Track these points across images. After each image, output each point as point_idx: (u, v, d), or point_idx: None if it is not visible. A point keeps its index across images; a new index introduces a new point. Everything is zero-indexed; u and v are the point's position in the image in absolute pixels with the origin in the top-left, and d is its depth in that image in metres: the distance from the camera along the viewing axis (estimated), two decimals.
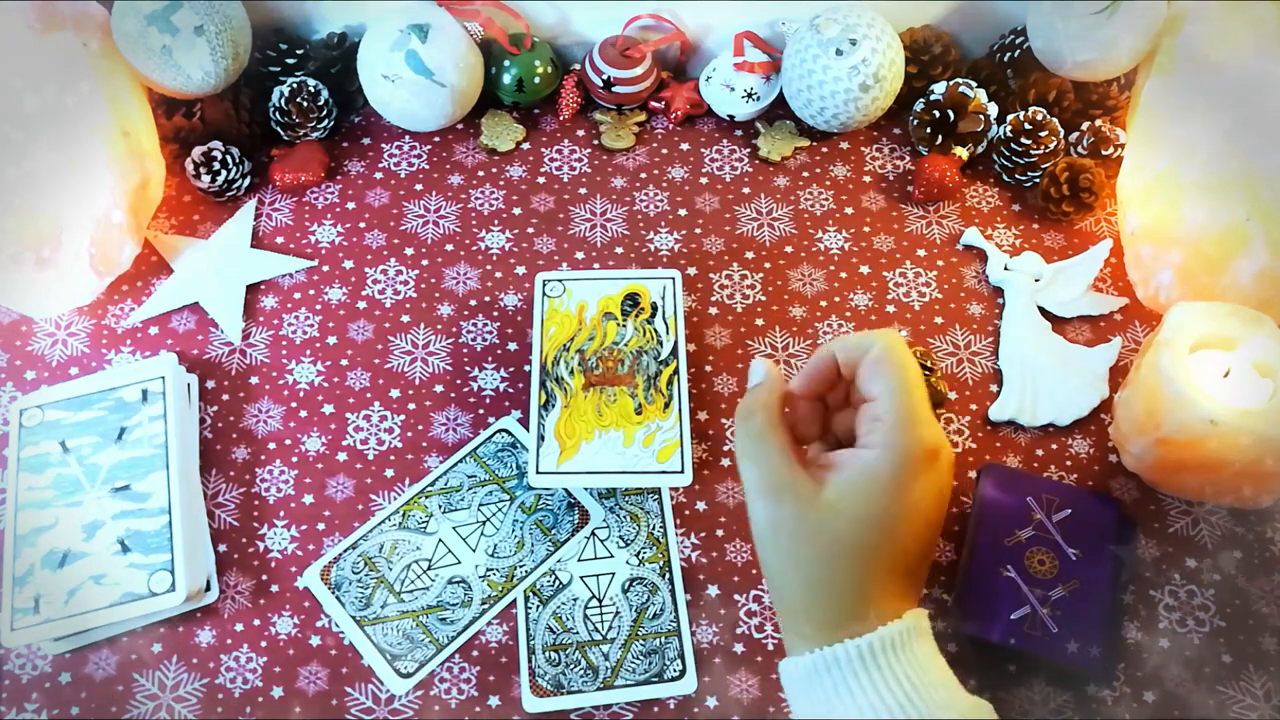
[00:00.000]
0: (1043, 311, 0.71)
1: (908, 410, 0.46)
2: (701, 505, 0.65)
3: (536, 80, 0.79)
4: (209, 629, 0.62)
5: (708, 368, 0.70)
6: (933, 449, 0.46)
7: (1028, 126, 0.75)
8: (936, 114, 0.77)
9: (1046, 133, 0.75)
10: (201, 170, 0.75)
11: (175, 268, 0.74)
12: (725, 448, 0.67)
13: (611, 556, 0.64)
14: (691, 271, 0.74)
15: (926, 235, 0.76)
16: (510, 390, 0.70)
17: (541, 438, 0.64)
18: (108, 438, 0.65)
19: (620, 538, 0.64)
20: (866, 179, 0.78)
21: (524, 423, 0.68)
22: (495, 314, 0.73)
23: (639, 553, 0.64)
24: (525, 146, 0.80)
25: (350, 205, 0.77)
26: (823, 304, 0.73)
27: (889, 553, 0.46)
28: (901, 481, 0.45)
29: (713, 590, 0.63)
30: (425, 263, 0.75)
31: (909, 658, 0.44)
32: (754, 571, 0.63)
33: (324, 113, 0.78)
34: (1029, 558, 0.60)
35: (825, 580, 0.46)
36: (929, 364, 0.52)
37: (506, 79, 0.79)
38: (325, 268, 0.74)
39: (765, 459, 0.48)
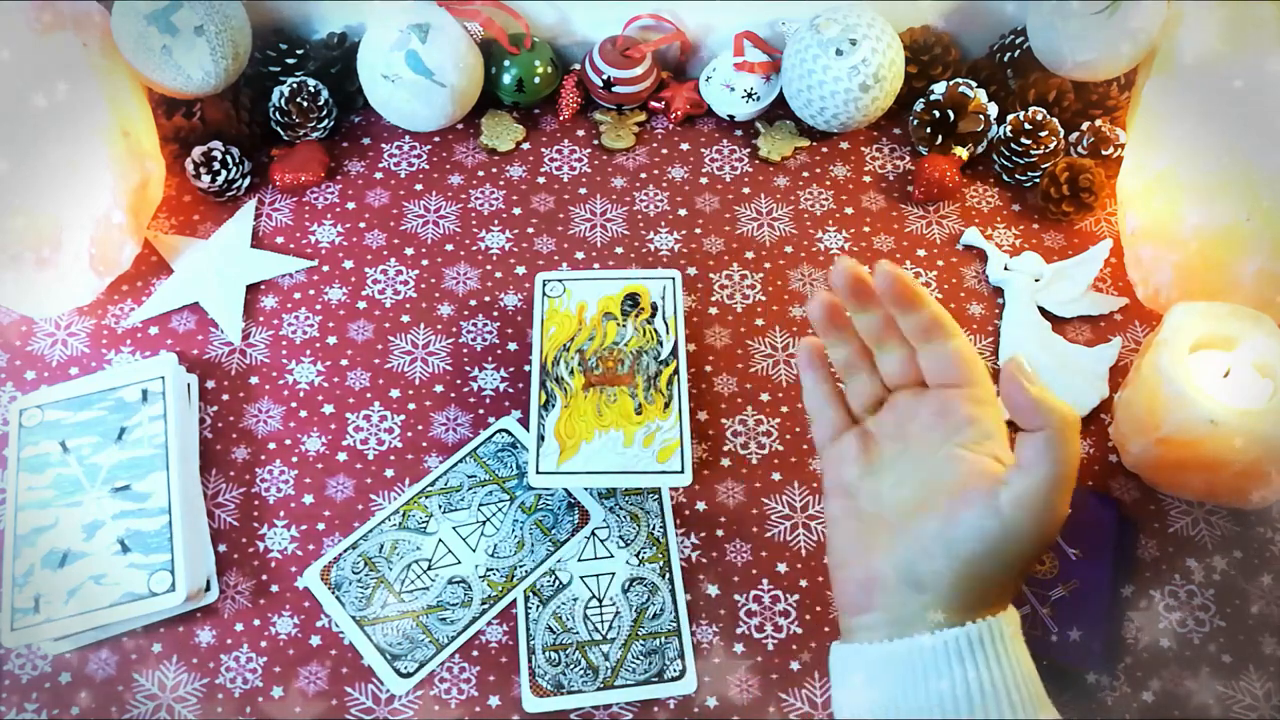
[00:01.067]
0: (1043, 311, 0.71)
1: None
2: (701, 505, 0.65)
3: (536, 80, 0.79)
4: (209, 629, 0.62)
5: (708, 368, 0.70)
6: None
7: (1028, 126, 0.75)
8: (936, 114, 0.77)
9: (1046, 133, 0.75)
10: (201, 170, 0.75)
11: (175, 268, 0.74)
12: (725, 448, 0.67)
13: (611, 556, 0.64)
14: (691, 271, 0.74)
15: (926, 235, 0.76)
16: (510, 390, 0.70)
17: (541, 438, 0.64)
18: (108, 438, 0.65)
19: (620, 538, 0.64)
20: (866, 179, 0.78)
21: (524, 423, 0.68)
22: (495, 314, 0.73)
23: (639, 553, 0.64)
24: (525, 146, 0.80)
25: (350, 205, 0.77)
26: None
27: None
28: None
29: (713, 590, 0.63)
30: (425, 263, 0.75)
31: (1017, 647, 0.43)
32: (754, 571, 0.63)
33: (324, 113, 0.78)
34: None
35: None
36: None
37: (506, 79, 0.79)
38: (325, 268, 0.74)
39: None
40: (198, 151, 0.75)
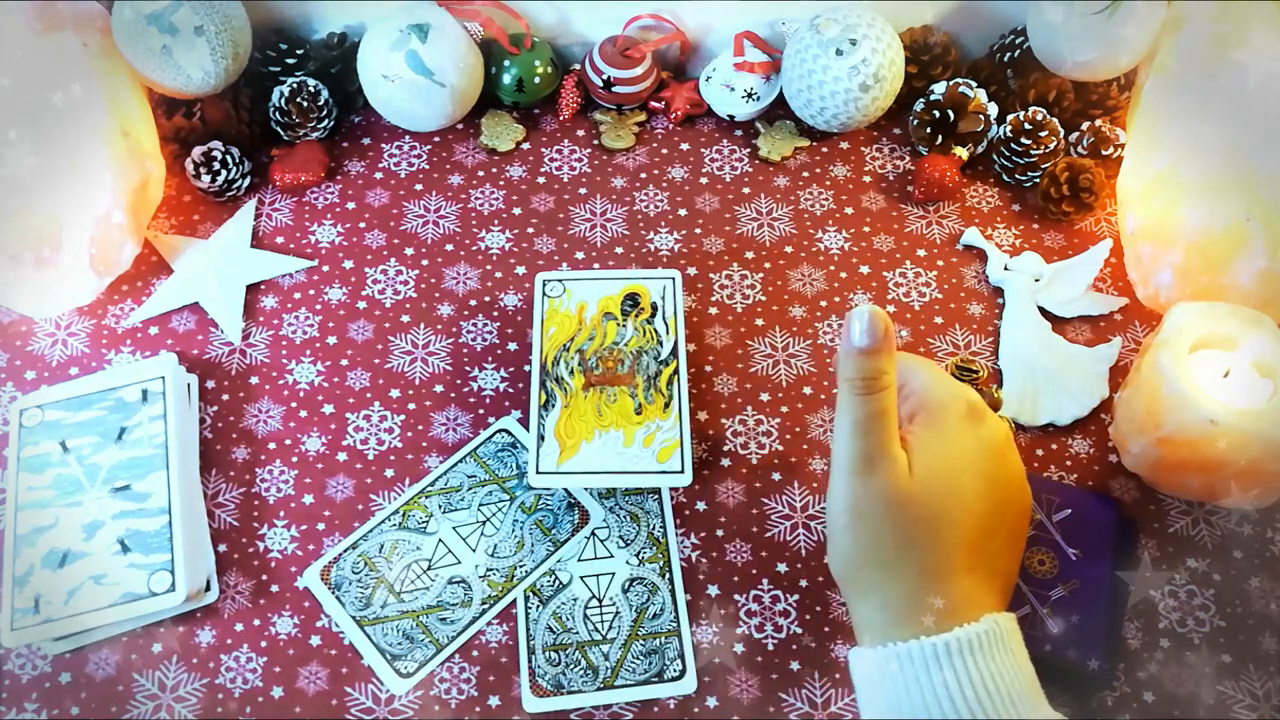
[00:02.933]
0: (1043, 311, 0.71)
1: (929, 376, 0.48)
2: (701, 505, 0.65)
3: (536, 80, 0.79)
4: (209, 629, 0.62)
5: (708, 368, 0.70)
6: (968, 402, 0.48)
7: (1028, 126, 0.75)
8: (936, 114, 0.77)
9: (1046, 133, 0.75)
10: (201, 170, 0.75)
11: (175, 268, 0.74)
12: (725, 448, 0.67)
13: (611, 556, 0.64)
14: (691, 271, 0.74)
15: (926, 235, 0.76)
16: (510, 390, 0.70)
17: (541, 438, 0.64)
18: (108, 438, 0.65)
19: (620, 538, 0.64)
20: (866, 179, 0.78)
21: (524, 423, 0.68)
22: (495, 314, 0.73)
23: (639, 553, 0.64)
24: (525, 146, 0.80)
25: (350, 205, 0.77)
26: (823, 304, 0.73)
27: (958, 523, 0.45)
28: (956, 440, 0.46)
29: (713, 590, 0.63)
30: (425, 263, 0.75)
31: (985, 665, 0.42)
32: (754, 571, 0.63)
33: (324, 113, 0.78)
34: (1029, 558, 0.60)
35: (900, 557, 0.45)
36: (973, 368, 0.52)
37: (506, 79, 0.79)
38: (325, 268, 0.74)
39: (878, 432, 0.46)
40: (198, 151, 0.75)
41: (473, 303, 0.73)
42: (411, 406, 0.69)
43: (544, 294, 0.70)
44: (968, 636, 0.43)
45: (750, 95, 0.79)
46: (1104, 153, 0.75)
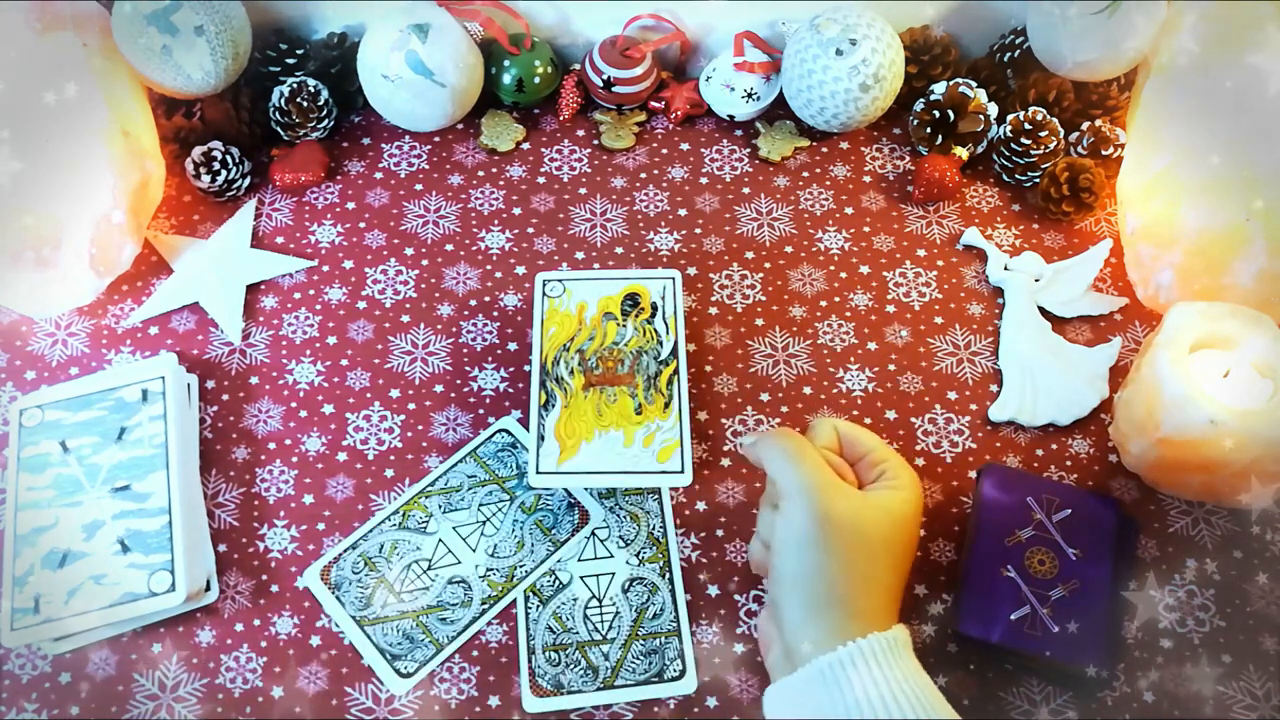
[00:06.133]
0: (1043, 311, 0.71)
1: (900, 463, 0.56)
2: (701, 505, 0.65)
3: (536, 80, 0.79)
4: (209, 629, 0.62)
5: (708, 368, 0.70)
6: (920, 497, 0.56)
7: (1028, 126, 0.75)
8: (936, 114, 0.77)
9: (1046, 133, 0.75)
10: (201, 170, 0.75)
11: (175, 268, 0.74)
12: (725, 448, 0.67)
13: (611, 556, 0.64)
14: (691, 271, 0.74)
15: (926, 235, 0.76)
16: (510, 390, 0.70)
17: (541, 438, 0.64)
18: (108, 438, 0.65)
19: (620, 538, 0.64)
20: (866, 179, 0.78)
21: (524, 423, 0.68)
22: (495, 314, 0.73)
23: (639, 553, 0.64)
24: (525, 146, 0.80)
25: (350, 205, 0.77)
26: (823, 304, 0.73)
27: (902, 565, 0.54)
28: (913, 510, 0.54)
29: (713, 590, 0.63)
30: (425, 263, 0.75)
31: (910, 662, 0.50)
32: (754, 571, 0.63)
33: (324, 113, 0.78)
34: (1029, 558, 0.60)
35: (868, 573, 0.52)
36: None
37: (506, 79, 0.79)
38: (325, 268, 0.74)
39: (809, 460, 0.54)
40: (198, 151, 0.75)
41: (473, 303, 0.73)
42: (411, 406, 0.69)
43: (544, 294, 0.70)
44: (880, 644, 0.49)
45: (750, 95, 0.79)
46: (1104, 153, 0.75)
